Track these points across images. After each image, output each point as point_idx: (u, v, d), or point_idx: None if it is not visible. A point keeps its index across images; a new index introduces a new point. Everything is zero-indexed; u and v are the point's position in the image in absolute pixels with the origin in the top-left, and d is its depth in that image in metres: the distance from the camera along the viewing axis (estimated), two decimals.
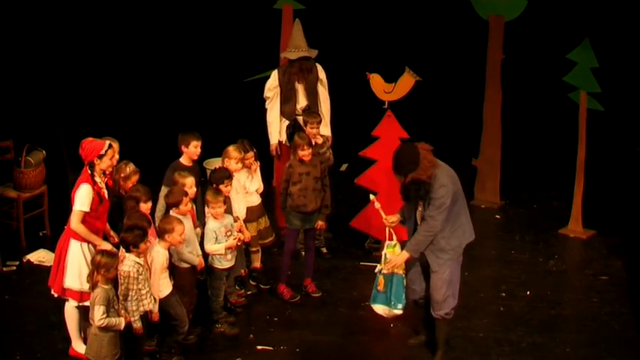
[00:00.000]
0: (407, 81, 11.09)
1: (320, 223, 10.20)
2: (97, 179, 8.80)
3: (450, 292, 8.77)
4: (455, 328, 9.61)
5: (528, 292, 10.45)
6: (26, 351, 9.15)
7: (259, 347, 9.35)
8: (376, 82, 11.20)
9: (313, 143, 10.28)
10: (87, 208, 8.66)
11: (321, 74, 11.08)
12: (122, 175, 9.23)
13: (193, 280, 9.22)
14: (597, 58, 11.42)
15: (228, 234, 9.43)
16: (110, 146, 8.88)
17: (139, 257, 8.47)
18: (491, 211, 12.49)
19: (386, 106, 11.21)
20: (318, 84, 11.04)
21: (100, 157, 8.80)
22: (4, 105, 13.21)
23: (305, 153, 9.92)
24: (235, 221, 9.61)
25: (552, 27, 14.26)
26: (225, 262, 9.47)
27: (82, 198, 8.68)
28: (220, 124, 14.22)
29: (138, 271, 8.43)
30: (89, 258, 8.57)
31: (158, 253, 8.74)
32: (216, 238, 9.35)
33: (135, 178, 9.28)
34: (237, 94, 14.72)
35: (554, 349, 9.38)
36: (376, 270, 9.01)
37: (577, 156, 11.75)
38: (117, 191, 9.17)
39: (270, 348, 9.34)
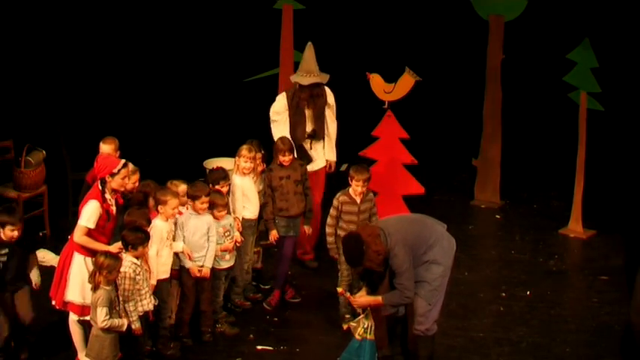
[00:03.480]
0: (407, 81, 11.11)
1: (306, 228, 10.12)
2: (107, 196, 8.76)
3: (433, 304, 8.46)
4: (455, 328, 9.62)
5: (528, 292, 10.45)
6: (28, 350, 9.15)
7: (259, 347, 9.35)
8: (376, 82, 11.21)
9: (358, 201, 9.61)
10: (92, 225, 8.63)
11: (330, 98, 10.70)
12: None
13: (191, 283, 9.23)
14: (597, 58, 11.42)
15: (227, 234, 9.44)
16: (125, 165, 8.81)
17: (136, 258, 8.47)
18: (491, 211, 12.50)
19: (386, 106, 11.22)
20: (326, 108, 10.71)
21: (112, 175, 8.73)
22: (4, 105, 13.21)
23: (285, 159, 9.86)
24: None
25: (552, 27, 14.25)
26: (223, 263, 9.48)
27: (88, 214, 8.65)
28: (220, 125, 14.23)
29: (135, 271, 8.43)
30: None
31: (155, 227, 8.78)
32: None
33: (135, 177, 9.27)
34: (238, 94, 14.72)
35: (554, 349, 9.38)
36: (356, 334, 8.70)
37: (577, 156, 11.75)
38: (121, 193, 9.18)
39: (270, 348, 9.34)
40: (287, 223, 9.97)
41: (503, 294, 10.43)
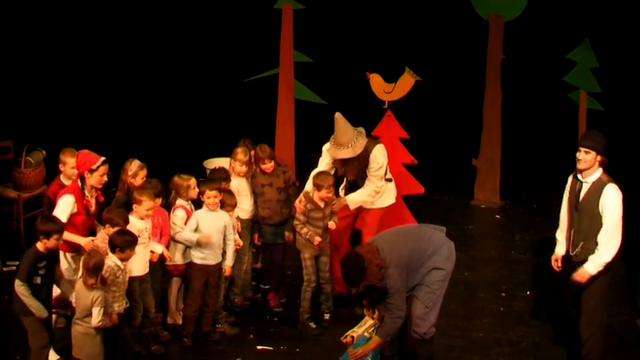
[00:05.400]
0: (407, 81, 11.11)
1: (287, 234, 9.90)
2: (86, 192, 8.76)
3: (430, 307, 8.44)
4: (455, 328, 9.62)
5: (528, 292, 10.46)
6: (26, 351, 9.14)
7: (259, 347, 9.35)
8: (376, 82, 11.21)
9: (322, 206, 9.46)
10: (64, 219, 8.55)
11: (373, 162, 9.66)
12: (129, 173, 9.29)
13: (201, 281, 9.25)
14: (597, 58, 11.43)
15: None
16: (104, 162, 8.79)
17: (121, 260, 8.47)
18: (491, 211, 12.50)
19: (386, 106, 11.22)
20: (368, 169, 9.73)
21: (91, 171, 8.73)
22: (4, 105, 13.21)
23: (266, 167, 9.74)
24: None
25: (552, 27, 14.27)
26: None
27: (62, 208, 8.63)
28: (220, 124, 14.24)
29: (115, 274, 8.40)
30: (72, 267, 8.57)
31: (130, 224, 8.80)
32: None
33: (143, 173, 9.33)
34: (237, 94, 14.72)
35: (554, 349, 9.39)
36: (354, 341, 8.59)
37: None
38: (127, 190, 9.22)
39: (270, 348, 9.34)
40: (273, 231, 9.91)
41: (503, 294, 10.43)
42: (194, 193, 9.36)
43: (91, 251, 8.33)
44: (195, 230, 9.19)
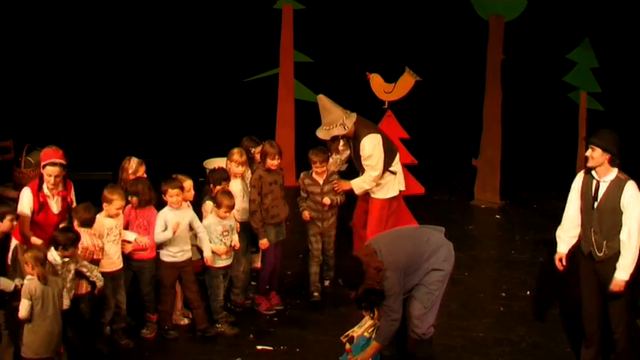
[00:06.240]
0: (407, 81, 11.13)
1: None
2: (45, 187, 8.75)
3: (428, 308, 8.43)
4: (455, 328, 9.62)
5: (528, 292, 10.46)
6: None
7: (259, 347, 9.35)
8: (376, 82, 11.23)
9: (321, 182, 9.93)
10: (27, 211, 8.59)
11: (362, 150, 10.03)
12: (130, 171, 9.30)
13: (172, 278, 9.27)
14: (597, 58, 11.43)
15: (225, 234, 9.44)
16: (51, 164, 8.71)
17: (62, 258, 8.42)
18: (491, 211, 12.51)
19: (386, 106, 11.23)
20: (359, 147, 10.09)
21: (43, 166, 8.74)
22: (4, 105, 13.22)
23: (275, 162, 9.75)
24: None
25: (552, 27, 14.28)
26: (220, 262, 9.47)
27: (21, 201, 8.67)
28: (220, 124, 14.24)
29: (54, 268, 8.38)
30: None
31: (98, 222, 8.83)
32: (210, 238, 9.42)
33: (142, 169, 9.35)
34: (237, 94, 14.73)
35: (554, 349, 9.39)
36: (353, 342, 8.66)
37: (577, 156, 11.75)
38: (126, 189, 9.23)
39: (270, 348, 9.34)
40: (277, 229, 9.90)
41: (504, 294, 10.43)
42: (190, 195, 9.34)
43: (35, 246, 8.30)
44: (165, 230, 9.18)
